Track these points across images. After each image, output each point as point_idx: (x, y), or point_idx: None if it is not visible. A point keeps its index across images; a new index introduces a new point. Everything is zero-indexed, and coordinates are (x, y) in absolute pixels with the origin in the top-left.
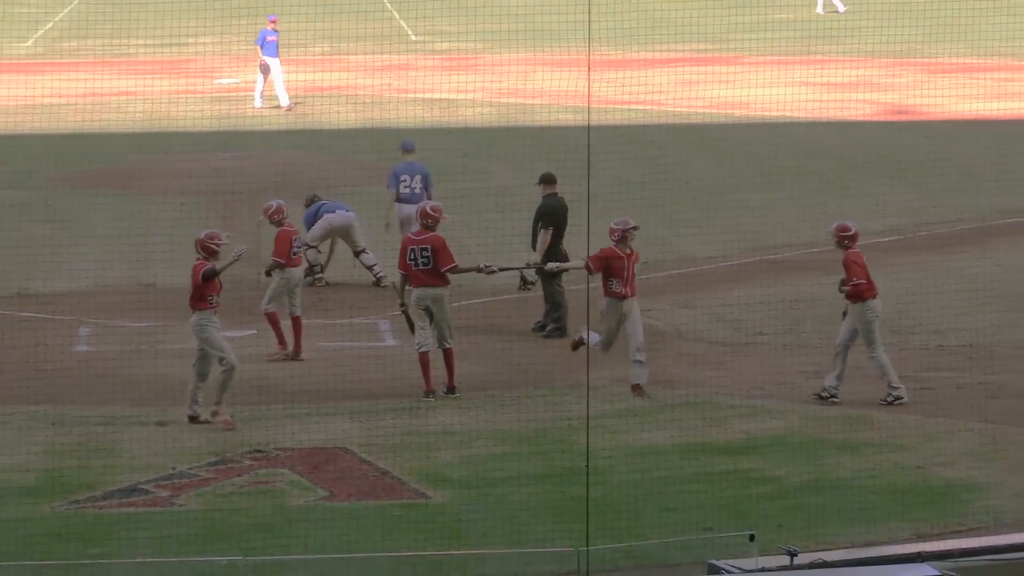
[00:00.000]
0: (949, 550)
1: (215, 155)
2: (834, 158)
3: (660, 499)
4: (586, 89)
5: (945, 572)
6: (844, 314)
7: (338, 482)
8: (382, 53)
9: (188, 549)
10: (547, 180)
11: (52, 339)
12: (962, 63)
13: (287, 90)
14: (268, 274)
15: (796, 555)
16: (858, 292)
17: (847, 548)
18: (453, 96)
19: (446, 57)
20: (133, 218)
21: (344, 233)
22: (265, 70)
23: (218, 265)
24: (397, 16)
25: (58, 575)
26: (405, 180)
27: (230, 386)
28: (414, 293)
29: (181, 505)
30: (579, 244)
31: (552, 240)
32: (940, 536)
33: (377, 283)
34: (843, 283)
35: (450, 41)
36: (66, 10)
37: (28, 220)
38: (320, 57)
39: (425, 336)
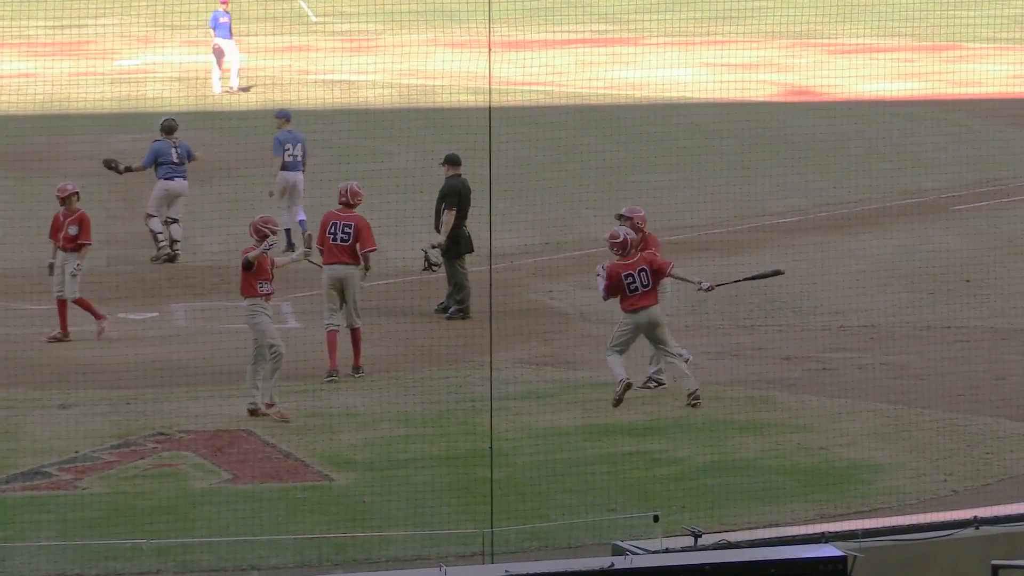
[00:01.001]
0: (852, 530)
1: (115, 137)
2: (735, 138)
3: (564, 480)
4: (487, 70)
5: (848, 552)
6: None
7: (241, 464)
8: (282, 34)
9: (92, 532)
10: (451, 161)
11: None
12: (862, 44)
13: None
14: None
15: (700, 536)
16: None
17: (751, 529)
18: (354, 77)
19: (346, 38)
20: (33, 200)
21: (175, 198)
22: (219, 54)
23: (251, 255)
24: None
25: None
26: (288, 148)
27: (278, 375)
28: (326, 271)
29: (84, 488)
30: (482, 226)
31: (456, 221)
32: (843, 516)
33: (170, 258)
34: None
35: (350, 22)
36: None
37: None
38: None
39: (334, 315)
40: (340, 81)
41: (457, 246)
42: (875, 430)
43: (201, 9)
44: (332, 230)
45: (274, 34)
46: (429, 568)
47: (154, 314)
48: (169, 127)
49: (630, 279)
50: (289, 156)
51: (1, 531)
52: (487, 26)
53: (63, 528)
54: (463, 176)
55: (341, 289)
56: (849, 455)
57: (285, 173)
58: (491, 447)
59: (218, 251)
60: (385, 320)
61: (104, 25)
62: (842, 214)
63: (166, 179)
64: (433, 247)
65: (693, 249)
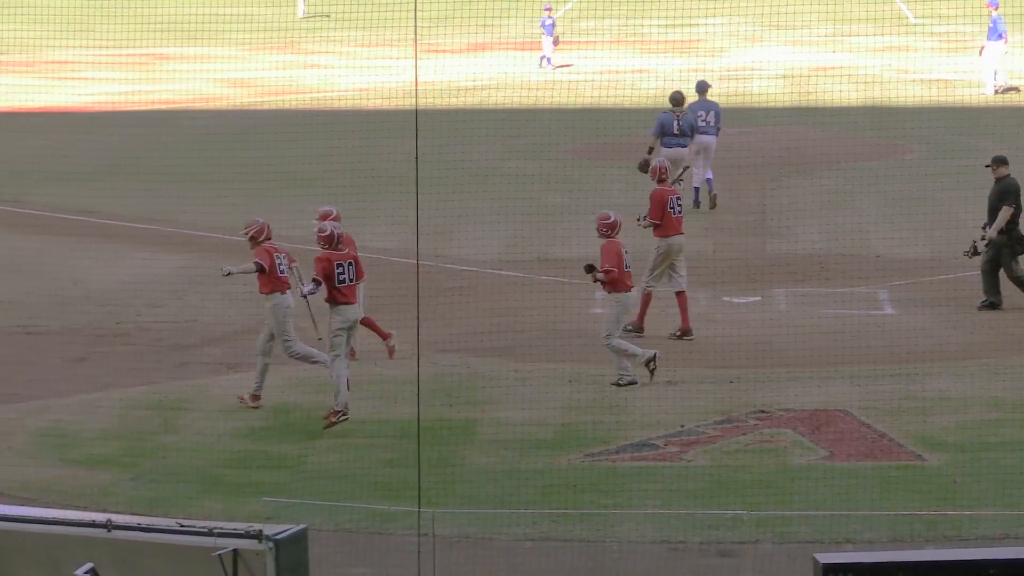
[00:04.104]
0: None
1: (723, 131)
2: None
3: None
4: None
5: None
6: None
7: (838, 443)
8: (882, 35)
9: (695, 502)
10: (998, 162)
11: (569, 302)
12: None
13: (1001, 73)
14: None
15: None
16: (611, 280)
17: None
18: (950, 77)
19: (944, 39)
20: (643, 189)
21: (679, 162)
22: (993, 54)
23: None
24: None
25: (573, 523)
26: (701, 115)
27: None
28: (672, 241)
29: (689, 460)
30: None
31: (1013, 219)
32: None
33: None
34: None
35: (948, 24)
36: None
37: (547, 189)
38: (823, 38)
39: (673, 278)
40: (936, 80)
41: (1013, 245)
42: None
43: (806, 9)
44: (672, 204)
45: (874, 34)
46: (1019, 546)
47: (757, 298)
48: (676, 100)
49: (340, 270)
50: (702, 122)
51: (611, 498)
52: None
53: (668, 497)
54: (1012, 176)
55: (676, 257)
56: None
57: (700, 136)
58: None
59: (818, 240)
60: (963, 309)
61: (713, 24)
62: None
63: (667, 148)
64: (982, 239)
65: None
